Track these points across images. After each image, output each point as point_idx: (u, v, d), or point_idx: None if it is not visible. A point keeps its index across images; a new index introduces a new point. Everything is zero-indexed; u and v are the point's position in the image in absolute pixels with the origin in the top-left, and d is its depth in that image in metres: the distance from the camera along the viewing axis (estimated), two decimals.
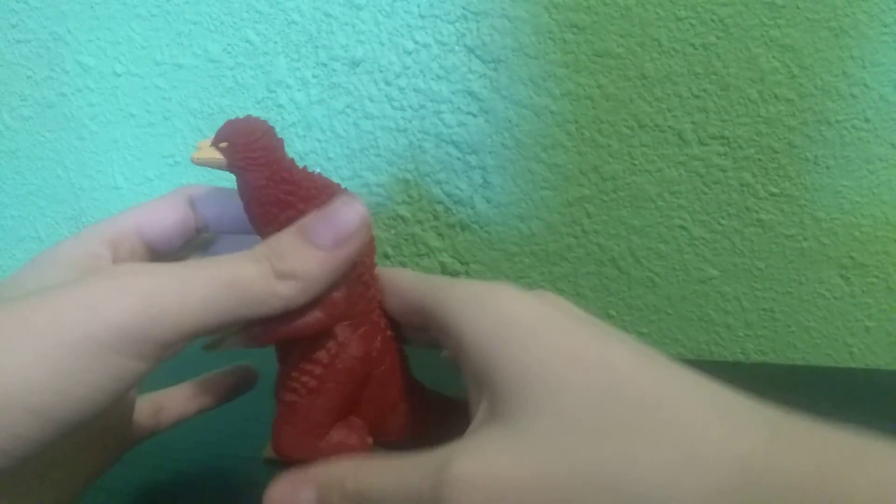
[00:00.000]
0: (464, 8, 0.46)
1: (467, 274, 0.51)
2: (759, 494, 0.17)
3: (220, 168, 0.23)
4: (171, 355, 0.20)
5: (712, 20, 0.44)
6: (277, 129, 0.57)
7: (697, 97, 0.45)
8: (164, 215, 0.26)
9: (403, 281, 0.26)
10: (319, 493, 0.22)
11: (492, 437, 0.20)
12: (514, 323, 0.22)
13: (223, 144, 0.23)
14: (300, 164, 0.25)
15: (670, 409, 0.19)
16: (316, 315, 0.23)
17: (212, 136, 0.24)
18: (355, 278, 0.24)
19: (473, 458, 0.19)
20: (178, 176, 0.54)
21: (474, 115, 0.48)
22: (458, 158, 0.49)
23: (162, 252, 0.27)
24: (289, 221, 0.23)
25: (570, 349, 0.21)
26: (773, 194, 0.46)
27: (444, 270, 0.52)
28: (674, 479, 0.17)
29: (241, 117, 0.24)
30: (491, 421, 0.21)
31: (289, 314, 0.22)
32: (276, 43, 0.50)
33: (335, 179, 0.53)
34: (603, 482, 0.18)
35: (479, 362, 0.21)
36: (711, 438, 0.18)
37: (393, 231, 0.52)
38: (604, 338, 0.22)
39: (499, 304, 0.23)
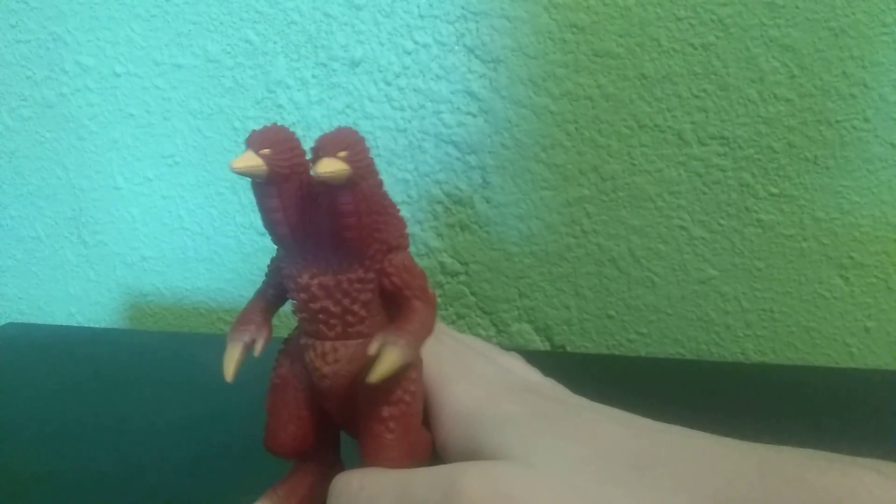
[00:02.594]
0: (463, 8, 0.46)
1: (467, 274, 0.51)
2: None
3: (340, 181, 0.21)
4: None
5: (712, 20, 0.44)
6: None
7: (697, 97, 0.45)
8: None
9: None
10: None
11: (504, 464, 0.20)
12: (502, 396, 0.23)
13: (343, 154, 0.21)
14: None
15: (665, 467, 0.20)
16: (434, 314, 0.23)
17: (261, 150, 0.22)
18: None
19: (485, 474, 0.20)
20: (177, 176, 0.54)
21: (474, 115, 0.48)
22: (458, 158, 0.49)
23: None
24: (386, 228, 0.23)
25: (560, 429, 0.22)
26: (772, 194, 0.46)
27: (444, 270, 0.52)
28: None
29: (333, 130, 0.22)
30: (496, 457, 0.21)
31: (409, 317, 0.23)
32: (275, 43, 0.50)
33: None
34: None
35: (463, 430, 0.23)
36: (708, 490, 0.19)
37: None
38: (593, 414, 0.23)
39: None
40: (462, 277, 0.52)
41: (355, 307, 0.23)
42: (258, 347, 0.23)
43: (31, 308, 0.61)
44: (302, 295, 0.23)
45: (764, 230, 0.47)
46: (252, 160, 0.20)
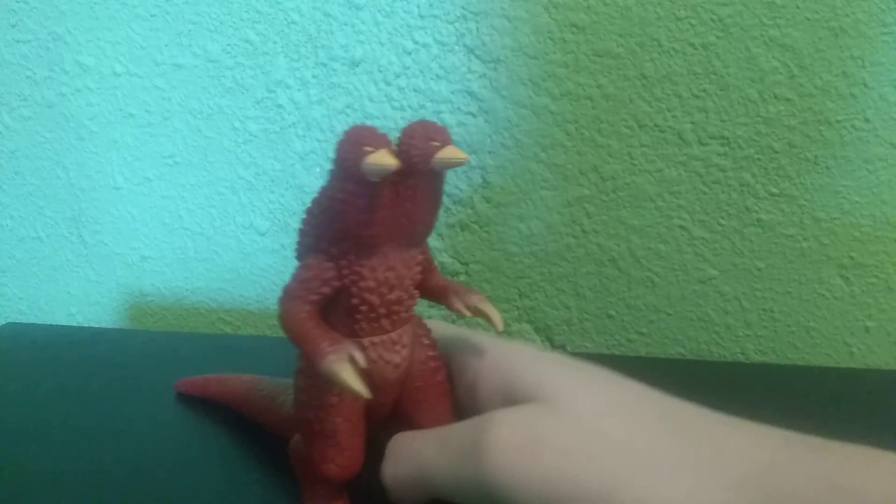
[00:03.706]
0: (463, 8, 0.46)
1: (467, 274, 0.51)
2: (782, 486, 0.18)
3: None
4: None
5: (712, 20, 0.44)
6: (277, 129, 0.57)
7: (697, 97, 0.45)
8: None
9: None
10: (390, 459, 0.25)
11: (534, 408, 0.22)
12: (534, 351, 0.25)
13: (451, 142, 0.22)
14: (300, 165, 0.25)
15: (691, 420, 0.21)
16: None
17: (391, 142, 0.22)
18: None
19: (511, 419, 0.21)
20: (177, 176, 0.54)
21: (474, 115, 0.48)
22: None
23: None
24: None
25: (590, 378, 0.23)
26: (772, 194, 0.46)
27: (444, 270, 0.52)
28: (701, 473, 0.19)
29: (423, 122, 0.22)
30: (527, 402, 0.22)
31: (447, 281, 0.26)
32: (275, 43, 0.50)
33: None
34: (638, 463, 0.19)
35: (500, 377, 0.24)
36: (734, 442, 0.19)
37: None
38: (611, 373, 0.24)
39: (516, 343, 0.25)
40: (462, 277, 0.52)
41: (414, 290, 0.24)
42: (359, 357, 0.22)
43: (31, 308, 0.61)
44: (382, 289, 0.23)
45: (764, 230, 0.47)
46: (392, 158, 0.20)
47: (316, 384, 0.24)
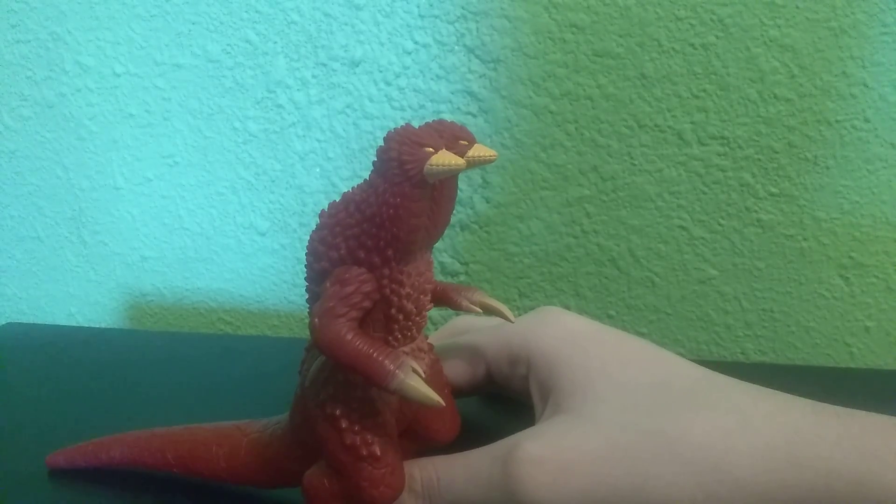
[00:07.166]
0: (463, 8, 0.46)
1: (467, 274, 0.51)
2: (808, 451, 0.18)
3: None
4: None
5: (712, 20, 0.44)
6: (277, 129, 0.57)
7: (697, 97, 0.45)
8: None
9: (463, 349, 0.29)
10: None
11: (556, 424, 0.22)
12: (574, 335, 0.25)
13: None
14: (300, 165, 0.24)
15: (720, 392, 0.21)
16: None
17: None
18: None
19: (540, 440, 0.21)
20: (177, 176, 0.54)
21: (474, 115, 0.48)
22: None
23: None
24: None
25: (626, 353, 0.24)
26: (772, 194, 0.46)
27: (444, 270, 0.52)
28: (728, 442, 0.19)
29: (445, 122, 0.22)
30: (554, 415, 0.23)
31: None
32: (275, 43, 0.50)
33: (335, 180, 0.53)
34: (664, 445, 0.20)
35: (546, 371, 0.24)
36: (761, 411, 0.20)
37: None
38: (653, 346, 0.25)
39: (558, 322, 0.26)
40: (462, 277, 0.52)
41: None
42: (419, 368, 0.21)
43: (31, 308, 0.61)
44: (416, 295, 0.22)
45: (764, 230, 0.47)
46: (458, 157, 0.20)
47: (356, 408, 0.23)
